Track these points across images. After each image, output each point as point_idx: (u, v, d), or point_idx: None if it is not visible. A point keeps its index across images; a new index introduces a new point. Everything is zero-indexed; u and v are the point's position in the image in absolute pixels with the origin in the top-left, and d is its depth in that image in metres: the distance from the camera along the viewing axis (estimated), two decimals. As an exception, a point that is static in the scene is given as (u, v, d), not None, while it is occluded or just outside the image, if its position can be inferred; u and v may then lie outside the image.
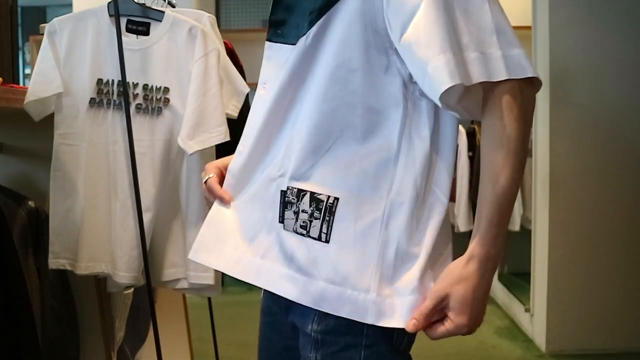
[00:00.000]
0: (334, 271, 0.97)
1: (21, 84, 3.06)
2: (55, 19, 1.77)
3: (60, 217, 1.74)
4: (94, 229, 1.76)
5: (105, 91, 1.75)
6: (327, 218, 0.98)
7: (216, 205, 1.11)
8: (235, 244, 1.06)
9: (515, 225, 3.69)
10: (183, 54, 1.73)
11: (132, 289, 2.00)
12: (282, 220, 1.01)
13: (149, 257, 1.76)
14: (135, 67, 1.74)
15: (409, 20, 0.91)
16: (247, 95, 1.92)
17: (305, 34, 0.98)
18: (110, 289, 1.84)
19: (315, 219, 0.99)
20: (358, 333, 0.98)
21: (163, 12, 1.78)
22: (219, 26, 1.91)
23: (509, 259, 3.96)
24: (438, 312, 0.94)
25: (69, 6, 3.76)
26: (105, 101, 1.76)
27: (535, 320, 3.18)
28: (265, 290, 1.12)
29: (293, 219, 1.00)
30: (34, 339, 1.43)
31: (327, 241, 0.98)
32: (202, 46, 1.71)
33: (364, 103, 0.97)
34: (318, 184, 0.99)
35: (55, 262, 1.73)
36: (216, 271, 1.78)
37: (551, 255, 2.98)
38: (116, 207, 1.76)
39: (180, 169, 1.79)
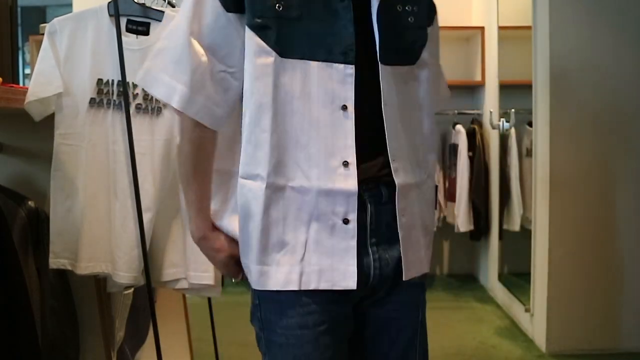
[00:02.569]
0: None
1: (21, 84, 3.07)
2: (55, 19, 1.77)
3: (61, 217, 1.74)
4: (94, 229, 1.76)
5: (105, 91, 1.75)
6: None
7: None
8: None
9: (515, 225, 3.69)
10: (183, 54, 1.73)
11: (132, 289, 1.99)
12: (436, 207, 1.31)
13: (149, 257, 1.76)
14: (135, 67, 1.74)
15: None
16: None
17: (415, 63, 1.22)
18: (110, 289, 1.84)
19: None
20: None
21: (163, 12, 1.78)
22: (219, 26, 1.90)
23: (509, 259, 3.96)
24: None
25: (68, 6, 3.75)
26: (105, 101, 1.76)
27: (535, 320, 3.18)
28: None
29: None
30: (33, 339, 1.43)
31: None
32: (202, 46, 1.71)
33: None
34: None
35: (55, 262, 1.73)
36: (216, 271, 1.78)
37: (551, 255, 2.98)
38: (116, 207, 1.76)
39: (180, 169, 1.79)
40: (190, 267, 1.78)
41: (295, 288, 1.13)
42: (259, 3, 1.11)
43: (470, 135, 4.16)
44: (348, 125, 1.12)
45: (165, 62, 1.16)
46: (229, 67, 1.15)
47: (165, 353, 1.85)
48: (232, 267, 1.25)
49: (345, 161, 1.12)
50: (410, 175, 1.18)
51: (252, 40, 1.12)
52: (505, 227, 3.86)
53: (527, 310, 3.25)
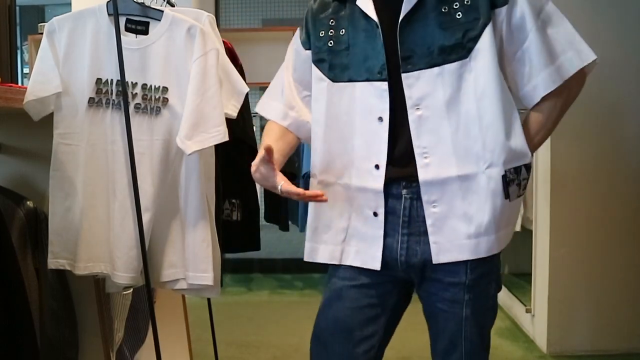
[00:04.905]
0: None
1: (20, 84, 3.07)
2: (54, 19, 1.77)
3: (60, 216, 1.74)
4: (93, 229, 1.75)
5: (104, 91, 1.75)
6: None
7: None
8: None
9: (516, 225, 3.68)
10: (182, 53, 1.73)
11: (131, 290, 1.99)
12: (507, 196, 1.31)
13: (148, 257, 1.75)
14: (134, 67, 1.74)
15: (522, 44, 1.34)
16: (247, 95, 1.91)
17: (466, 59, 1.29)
18: (109, 289, 1.84)
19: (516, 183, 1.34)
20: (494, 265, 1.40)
21: (162, 12, 1.77)
22: (218, 25, 1.90)
23: (510, 260, 3.96)
24: None
25: (67, 5, 3.74)
26: (104, 101, 1.75)
27: (536, 321, 3.17)
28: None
29: (516, 189, 1.33)
30: (32, 339, 1.43)
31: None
32: (201, 45, 1.70)
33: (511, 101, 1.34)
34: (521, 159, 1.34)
35: (54, 262, 1.73)
36: (215, 271, 1.78)
37: (552, 255, 2.98)
38: (115, 207, 1.75)
39: (179, 169, 1.78)
40: (189, 268, 1.78)
41: (337, 262, 1.42)
42: (317, 42, 1.42)
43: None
44: (382, 134, 1.33)
45: (273, 94, 1.55)
46: (310, 92, 1.46)
47: (165, 353, 1.85)
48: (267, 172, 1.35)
49: (377, 164, 1.34)
50: (451, 168, 1.30)
51: (314, 71, 1.43)
52: (505, 227, 3.84)
53: (528, 310, 3.25)
